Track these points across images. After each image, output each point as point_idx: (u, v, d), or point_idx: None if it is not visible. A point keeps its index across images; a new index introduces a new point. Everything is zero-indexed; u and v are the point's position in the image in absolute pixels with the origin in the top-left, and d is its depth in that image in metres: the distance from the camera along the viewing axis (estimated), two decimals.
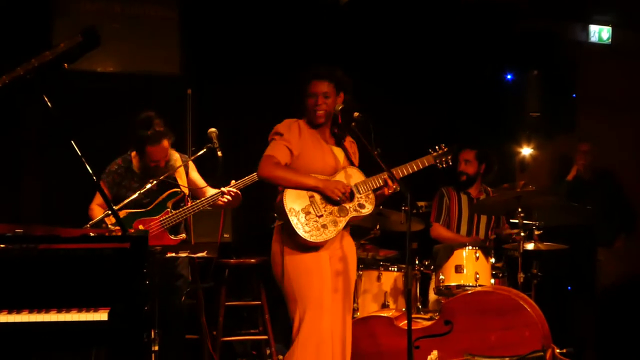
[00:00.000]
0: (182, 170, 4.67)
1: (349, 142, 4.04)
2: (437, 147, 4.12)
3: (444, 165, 4.11)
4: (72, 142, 3.09)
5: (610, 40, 7.19)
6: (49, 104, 3.07)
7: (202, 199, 4.55)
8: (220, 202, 4.55)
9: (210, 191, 4.61)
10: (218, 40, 6.08)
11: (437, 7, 6.49)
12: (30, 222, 4.62)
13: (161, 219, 4.47)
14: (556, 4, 6.71)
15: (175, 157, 4.67)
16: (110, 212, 3.36)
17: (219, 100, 6.01)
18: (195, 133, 4.84)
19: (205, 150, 4.59)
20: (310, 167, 3.83)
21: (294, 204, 3.74)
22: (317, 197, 3.77)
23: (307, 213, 3.74)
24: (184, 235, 4.58)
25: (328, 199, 3.77)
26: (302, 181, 3.78)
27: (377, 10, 6.35)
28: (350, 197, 3.81)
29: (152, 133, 4.44)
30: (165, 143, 4.52)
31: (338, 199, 3.74)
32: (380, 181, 3.85)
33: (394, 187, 3.82)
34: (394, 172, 3.85)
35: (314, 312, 3.69)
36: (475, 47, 6.63)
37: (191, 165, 4.72)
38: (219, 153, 4.54)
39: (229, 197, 4.52)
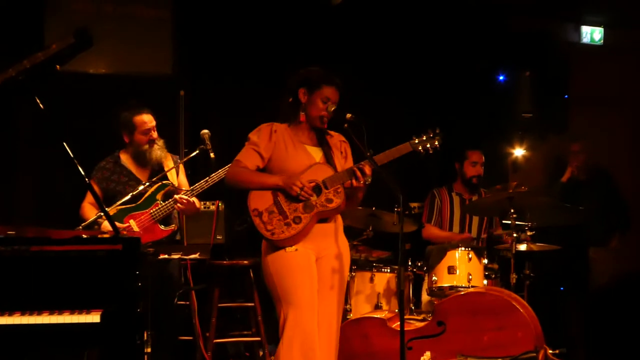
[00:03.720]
0: (173, 171, 4.69)
1: (338, 141, 4.02)
2: (422, 133, 3.91)
3: (430, 152, 3.91)
4: (64, 143, 3.09)
5: (602, 41, 7.22)
6: (40, 105, 3.07)
7: (165, 202, 4.56)
8: (177, 209, 4.57)
9: (195, 197, 4.64)
10: (211, 41, 6.05)
11: (429, 8, 6.50)
12: (24, 223, 4.62)
13: (151, 211, 4.50)
14: (548, 5, 6.72)
15: (169, 158, 4.72)
16: (102, 213, 3.36)
17: (211, 101, 6.00)
18: (187, 134, 4.84)
19: (197, 151, 4.61)
20: (283, 168, 3.83)
21: (258, 204, 3.77)
22: (282, 196, 3.78)
23: (270, 212, 3.76)
24: (174, 225, 4.60)
25: (292, 197, 3.76)
26: (263, 181, 3.80)
27: (370, 11, 6.35)
28: (317, 192, 3.79)
29: (135, 106, 4.63)
30: (149, 114, 4.63)
31: (296, 194, 3.73)
32: (347, 175, 3.80)
33: (363, 180, 3.77)
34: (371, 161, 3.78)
35: (297, 311, 3.69)
36: (468, 48, 6.63)
37: (181, 167, 4.77)
38: (212, 154, 4.55)
39: (180, 204, 4.53)
